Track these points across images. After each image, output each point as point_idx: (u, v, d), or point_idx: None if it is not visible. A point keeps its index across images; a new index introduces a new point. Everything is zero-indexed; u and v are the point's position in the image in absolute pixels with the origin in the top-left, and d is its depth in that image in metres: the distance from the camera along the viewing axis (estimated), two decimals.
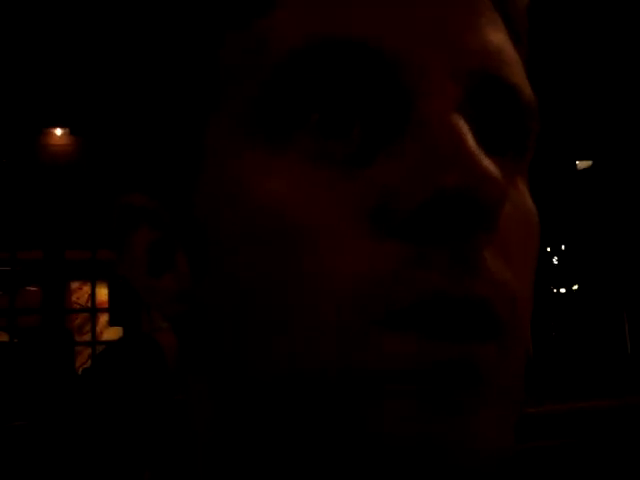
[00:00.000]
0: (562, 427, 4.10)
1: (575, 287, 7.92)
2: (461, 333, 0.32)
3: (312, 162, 0.35)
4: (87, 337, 6.57)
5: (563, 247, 7.91)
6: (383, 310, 0.32)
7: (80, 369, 6.30)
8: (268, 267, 0.35)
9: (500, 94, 0.37)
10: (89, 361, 6.32)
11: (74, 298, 7.04)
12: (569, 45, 5.69)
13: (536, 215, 0.39)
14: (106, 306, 6.88)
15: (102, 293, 6.81)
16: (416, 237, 0.32)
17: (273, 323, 0.35)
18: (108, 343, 5.43)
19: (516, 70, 0.38)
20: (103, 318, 6.85)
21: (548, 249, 7.86)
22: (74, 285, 7.05)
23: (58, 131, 6.20)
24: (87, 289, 6.78)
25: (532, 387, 6.02)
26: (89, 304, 6.60)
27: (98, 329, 6.50)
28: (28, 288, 6.57)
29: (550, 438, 3.85)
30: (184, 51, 0.41)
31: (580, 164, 7.47)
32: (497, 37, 0.37)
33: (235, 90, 0.38)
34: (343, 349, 0.33)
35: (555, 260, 7.94)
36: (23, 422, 3.96)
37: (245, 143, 0.36)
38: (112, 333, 6.36)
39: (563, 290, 7.97)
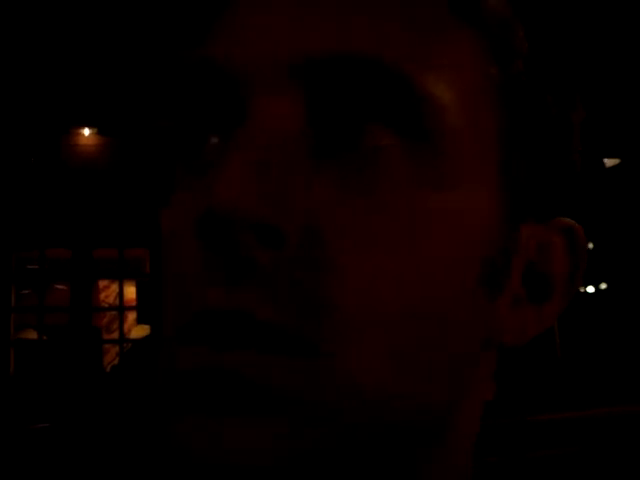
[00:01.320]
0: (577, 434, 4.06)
1: (604, 286, 7.84)
2: (220, 342, 0.33)
3: (180, 180, 0.40)
4: (115, 335, 6.62)
5: (591, 245, 7.83)
6: (174, 326, 0.36)
7: (108, 367, 6.36)
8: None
9: (345, 70, 0.34)
10: (117, 359, 6.37)
11: (102, 296, 7.10)
12: (598, 42, 5.63)
13: (414, 212, 0.34)
14: (134, 304, 6.94)
15: (130, 291, 6.87)
16: (200, 252, 0.34)
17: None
18: (135, 341, 5.47)
19: (357, 38, 0.35)
20: (131, 316, 6.90)
21: None
22: (102, 283, 7.11)
23: (86, 131, 6.25)
24: (115, 287, 6.83)
25: (559, 388, 5.97)
26: (117, 302, 6.64)
27: (126, 327, 6.54)
28: (57, 286, 6.63)
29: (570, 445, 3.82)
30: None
31: (608, 162, 7.39)
32: (346, 17, 0.35)
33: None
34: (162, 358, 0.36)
35: None
36: (46, 424, 3.99)
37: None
38: (140, 331, 6.40)
39: (591, 289, 7.89)
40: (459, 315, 0.36)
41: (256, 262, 0.33)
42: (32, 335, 6.19)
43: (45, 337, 6.14)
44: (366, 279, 0.33)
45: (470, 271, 0.36)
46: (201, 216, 0.32)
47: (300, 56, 0.35)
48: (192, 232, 0.34)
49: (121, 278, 6.45)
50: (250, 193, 0.32)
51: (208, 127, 0.38)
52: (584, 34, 5.34)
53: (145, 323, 6.63)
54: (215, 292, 0.33)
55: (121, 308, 6.42)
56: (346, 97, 0.35)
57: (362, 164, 0.34)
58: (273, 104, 0.35)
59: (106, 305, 7.04)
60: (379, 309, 0.33)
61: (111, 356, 6.58)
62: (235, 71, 0.36)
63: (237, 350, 0.32)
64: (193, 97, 0.38)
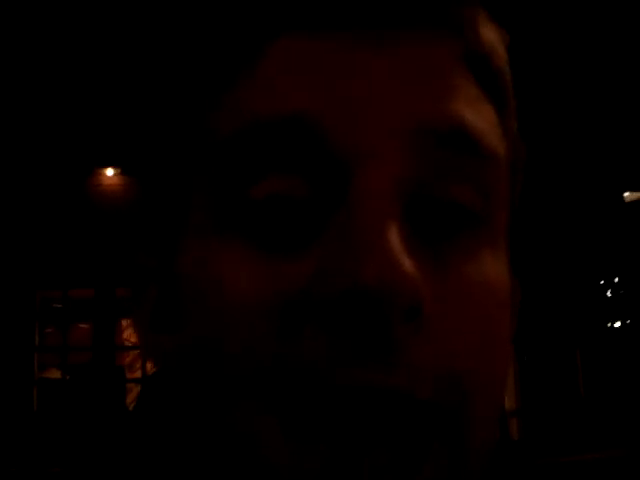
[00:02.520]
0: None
1: (629, 321, 7.75)
2: (377, 420, 0.33)
3: (251, 246, 0.36)
4: (138, 374, 6.62)
5: (616, 280, 7.76)
6: (278, 415, 0.34)
7: (131, 406, 6.34)
8: (209, 349, 0.36)
9: (450, 147, 0.37)
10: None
11: (125, 335, 7.11)
12: (616, 74, 5.63)
13: (498, 284, 0.38)
14: None
15: None
16: (329, 330, 0.33)
17: (207, 404, 0.36)
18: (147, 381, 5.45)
19: (467, 120, 0.37)
20: None
21: (602, 282, 7.72)
22: (125, 322, 7.13)
23: (109, 171, 6.32)
24: None
25: (582, 429, 5.86)
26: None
27: (148, 366, 6.52)
28: (80, 325, 6.65)
29: None
30: (176, 120, 0.44)
31: (629, 196, 7.36)
32: (445, 93, 0.37)
33: (202, 172, 0.40)
34: (247, 452, 0.34)
35: (609, 293, 7.79)
36: (61, 468, 3.96)
37: (205, 226, 0.38)
38: None
39: (618, 324, 7.80)
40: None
41: (402, 341, 0.33)
42: (55, 374, 6.21)
43: (68, 376, 6.15)
44: (479, 346, 0.36)
45: (508, 324, 0.40)
46: (336, 297, 0.32)
47: (412, 122, 0.36)
48: (277, 309, 0.34)
49: None
50: (404, 275, 0.32)
51: (291, 190, 0.36)
52: (605, 67, 5.34)
53: None
54: (361, 371, 0.32)
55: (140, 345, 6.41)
56: (446, 171, 0.37)
57: (454, 246, 0.37)
58: (379, 174, 0.35)
59: (129, 344, 7.05)
60: (490, 373, 0.37)
61: (134, 395, 6.57)
62: (339, 137, 0.35)
63: (397, 427, 0.33)
64: (272, 154, 0.36)
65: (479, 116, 0.38)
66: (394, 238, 0.33)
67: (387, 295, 0.31)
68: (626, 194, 7.29)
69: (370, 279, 0.31)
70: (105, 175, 6.34)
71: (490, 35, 0.41)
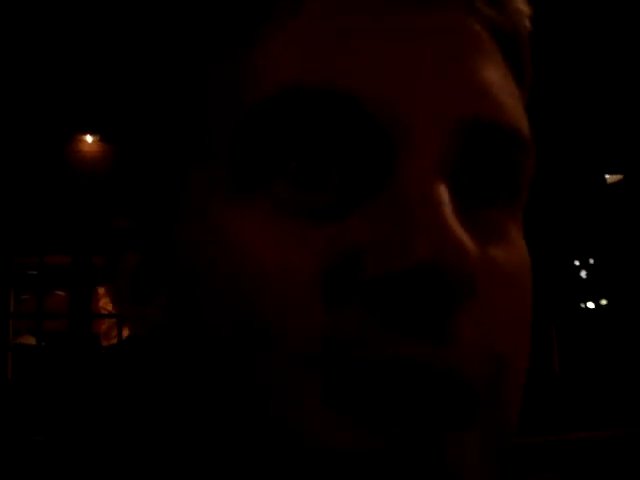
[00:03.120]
0: (567, 459, 4.04)
1: (604, 302, 7.83)
2: (427, 416, 0.31)
3: (283, 214, 0.34)
4: (114, 342, 6.60)
5: (592, 261, 7.83)
6: (320, 383, 0.32)
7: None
8: (235, 316, 0.34)
9: (491, 136, 0.35)
10: None
11: (101, 304, 7.08)
12: (600, 59, 5.65)
13: (527, 263, 0.38)
14: None
15: None
16: (380, 304, 0.31)
17: (233, 372, 0.34)
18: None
19: (509, 110, 0.36)
20: None
21: (577, 263, 7.79)
22: (101, 291, 7.09)
23: (89, 138, 6.25)
24: None
25: (558, 407, 5.94)
26: (116, 310, 6.63)
27: (125, 334, 6.52)
28: (56, 292, 6.62)
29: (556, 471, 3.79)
30: (172, 80, 0.40)
31: (610, 178, 7.40)
32: (489, 76, 0.36)
33: (217, 129, 0.36)
34: (279, 417, 0.32)
35: (583, 274, 7.86)
36: (42, 436, 3.95)
37: (222, 188, 0.35)
38: None
39: (591, 305, 7.89)
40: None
41: (458, 320, 0.32)
42: (31, 341, 6.18)
43: (44, 343, 6.13)
44: (516, 325, 0.36)
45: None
46: (390, 273, 0.30)
47: (468, 116, 0.34)
48: (320, 281, 0.32)
49: None
50: (465, 251, 0.30)
51: (328, 160, 0.34)
52: (588, 51, 5.36)
53: None
54: (413, 347, 0.31)
55: (120, 315, 6.40)
56: (488, 161, 0.36)
57: (494, 221, 0.36)
58: (427, 155, 0.33)
59: (105, 312, 7.02)
60: (522, 355, 0.36)
61: None
62: (382, 110, 0.33)
63: (446, 430, 0.31)
64: (308, 126, 0.34)
65: (514, 101, 0.37)
66: (449, 210, 0.31)
67: (448, 273, 0.30)
68: (606, 176, 7.34)
69: (429, 254, 0.30)
70: (84, 141, 6.27)
71: (520, 8, 0.40)
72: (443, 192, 0.32)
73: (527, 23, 0.40)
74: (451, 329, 0.31)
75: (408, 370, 0.31)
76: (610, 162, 7.22)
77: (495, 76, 0.36)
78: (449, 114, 0.34)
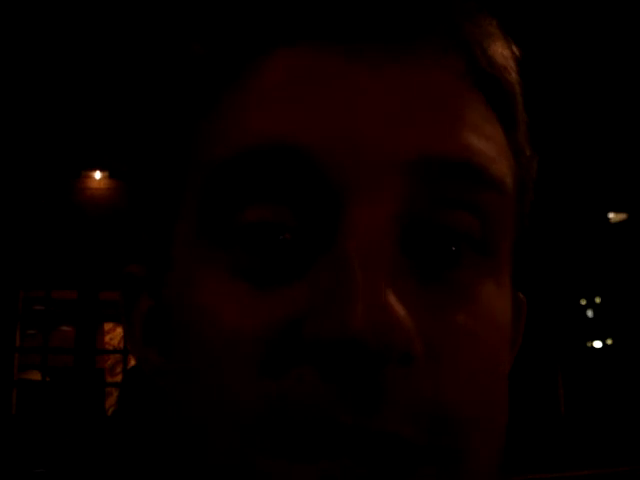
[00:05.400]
0: None
1: (609, 341, 7.78)
2: (369, 461, 0.32)
3: (236, 277, 0.35)
4: (118, 378, 6.57)
5: (598, 300, 7.79)
6: (269, 439, 0.32)
7: (110, 410, 6.30)
8: (192, 372, 0.36)
9: (454, 174, 0.35)
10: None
11: (107, 339, 7.06)
12: (605, 98, 5.67)
13: (496, 320, 0.37)
14: None
15: None
16: (318, 367, 0.32)
17: (190, 426, 0.36)
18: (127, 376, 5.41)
19: (476, 149, 0.36)
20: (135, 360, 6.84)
21: (583, 302, 7.75)
22: (107, 326, 7.08)
23: (97, 174, 6.28)
24: (120, 330, 6.79)
25: (562, 448, 5.85)
26: (121, 345, 6.61)
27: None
28: (62, 328, 6.60)
29: None
30: (161, 135, 0.42)
31: (614, 217, 7.39)
32: (453, 119, 0.36)
33: (191, 184, 0.38)
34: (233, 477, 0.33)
35: (589, 313, 7.82)
36: (44, 469, 3.89)
37: (191, 243, 0.37)
38: None
39: (598, 344, 7.83)
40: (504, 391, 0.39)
41: (389, 384, 0.32)
42: (36, 376, 6.15)
43: (48, 378, 6.10)
44: (475, 383, 0.35)
45: (507, 353, 0.40)
46: (325, 341, 0.31)
47: (413, 153, 0.34)
48: (262, 343, 0.33)
49: None
50: (395, 322, 0.31)
51: (281, 218, 0.35)
52: (592, 87, 5.37)
53: None
54: (348, 413, 0.32)
55: (125, 351, 6.38)
56: (446, 199, 0.35)
57: (456, 280, 0.36)
58: (374, 210, 0.33)
59: (110, 348, 7.00)
60: (486, 411, 0.36)
61: (114, 399, 6.52)
62: (334, 168, 0.34)
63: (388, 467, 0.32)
64: (261, 182, 0.34)
65: (486, 142, 0.36)
66: (385, 280, 0.32)
67: (378, 344, 0.31)
68: (610, 215, 7.32)
69: (360, 326, 0.30)
70: (92, 178, 6.30)
71: (501, 50, 0.39)
72: (385, 257, 0.33)
73: (511, 65, 0.40)
74: (382, 397, 0.32)
75: (344, 433, 0.32)
76: (614, 201, 7.21)
77: (463, 119, 0.36)
78: (404, 156, 0.34)
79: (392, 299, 0.32)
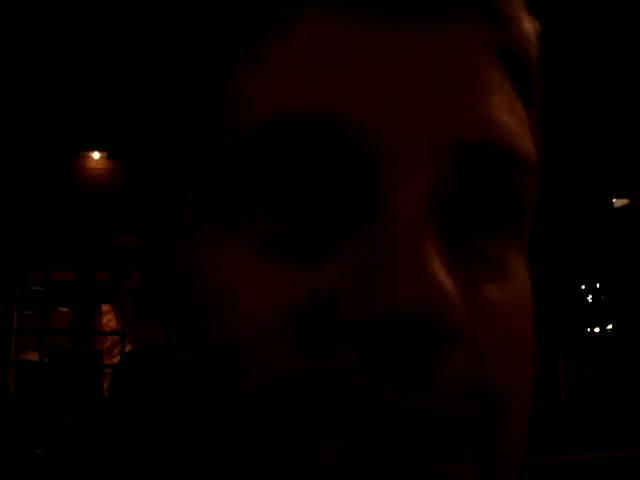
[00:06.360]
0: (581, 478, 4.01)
1: (609, 326, 7.80)
2: (407, 442, 0.31)
3: (263, 252, 0.33)
4: (116, 360, 6.60)
5: (598, 285, 7.81)
6: (304, 413, 0.31)
7: (107, 391, 6.34)
8: (215, 353, 0.34)
9: (491, 158, 0.34)
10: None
11: (105, 320, 7.08)
12: (610, 84, 5.67)
13: (526, 297, 0.37)
14: None
15: None
16: (362, 347, 0.31)
17: (217, 404, 0.34)
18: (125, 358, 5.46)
19: (509, 130, 0.35)
20: None
21: (583, 287, 7.77)
22: (105, 307, 7.10)
23: (95, 154, 6.28)
24: None
25: (563, 433, 5.91)
26: (119, 327, 6.63)
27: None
28: (59, 309, 6.63)
29: None
30: (169, 106, 0.40)
31: (617, 202, 7.40)
32: (488, 97, 0.35)
33: (208, 157, 0.36)
34: (263, 450, 0.32)
35: (590, 299, 7.84)
36: (43, 450, 3.92)
37: (210, 219, 0.35)
38: None
39: (597, 329, 7.86)
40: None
41: (438, 363, 0.31)
42: (33, 357, 6.18)
43: (46, 359, 6.12)
44: (514, 360, 0.35)
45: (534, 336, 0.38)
46: (371, 320, 0.30)
47: (464, 138, 0.33)
48: (297, 323, 0.32)
49: None
50: (449, 300, 0.30)
51: (314, 193, 0.33)
52: (596, 76, 5.38)
53: None
54: (395, 392, 0.30)
55: (123, 333, 6.40)
56: (487, 188, 0.35)
57: (493, 253, 0.35)
58: (414, 186, 0.32)
59: (108, 329, 7.02)
60: (524, 388, 0.36)
61: None
62: (373, 141, 0.32)
63: (438, 446, 0.31)
64: (292, 156, 0.33)
65: (516, 121, 0.36)
66: (433, 254, 0.31)
67: (430, 320, 0.29)
68: (614, 200, 7.35)
69: (410, 304, 0.29)
70: (91, 158, 6.30)
71: (527, 28, 0.38)
72: (428, 232, 0.31)
73: (534, 42, 0.39)
74: (431, 375, 0.31)
75: (390, 412, 0.31)
76: (617, 186, 7.22)
77: (495, 97, 0.35)
78: (441, 138, 0.33)
79: (441, 272, 0.30)
